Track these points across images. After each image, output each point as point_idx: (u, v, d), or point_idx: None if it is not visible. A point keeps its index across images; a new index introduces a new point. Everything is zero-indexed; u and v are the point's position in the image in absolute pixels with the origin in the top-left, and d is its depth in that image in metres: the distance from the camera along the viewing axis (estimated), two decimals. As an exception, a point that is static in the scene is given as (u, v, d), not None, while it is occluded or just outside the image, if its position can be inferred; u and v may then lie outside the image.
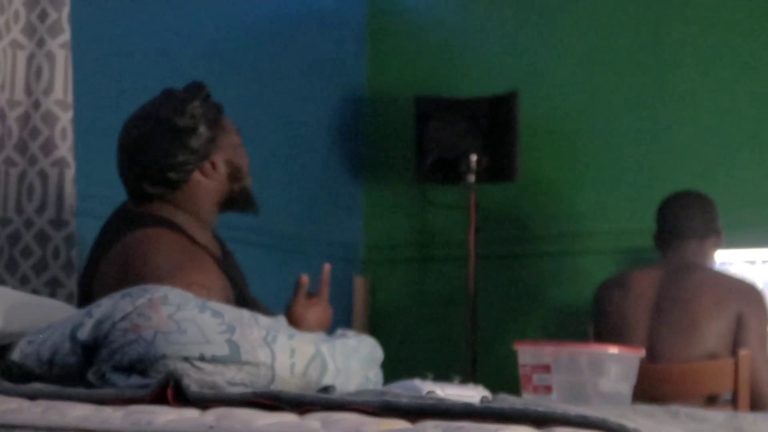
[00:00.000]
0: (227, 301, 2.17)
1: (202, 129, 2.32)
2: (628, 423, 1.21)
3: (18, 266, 2.66)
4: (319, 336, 1.75)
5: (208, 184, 2.35)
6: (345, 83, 4.29)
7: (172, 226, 2.29)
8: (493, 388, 1.96)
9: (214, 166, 2.36)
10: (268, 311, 2.21)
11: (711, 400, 2.89)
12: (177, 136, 2.30)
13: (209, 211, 2.38)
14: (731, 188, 3.54)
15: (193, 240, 2.31)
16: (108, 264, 2.25)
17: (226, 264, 2.38)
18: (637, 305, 2.96)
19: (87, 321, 1.61)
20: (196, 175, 2.33)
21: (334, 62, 4.24)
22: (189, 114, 2.32)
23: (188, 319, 1.57)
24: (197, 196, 2.35)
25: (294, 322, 2.13)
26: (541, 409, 1.25)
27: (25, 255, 2.67)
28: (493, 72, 4.07)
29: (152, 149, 2.30)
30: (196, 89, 2.38)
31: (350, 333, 1.87)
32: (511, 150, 3.73)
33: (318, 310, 2.28)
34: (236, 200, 2.42)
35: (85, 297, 2.27)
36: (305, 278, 2.30)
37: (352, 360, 1.74)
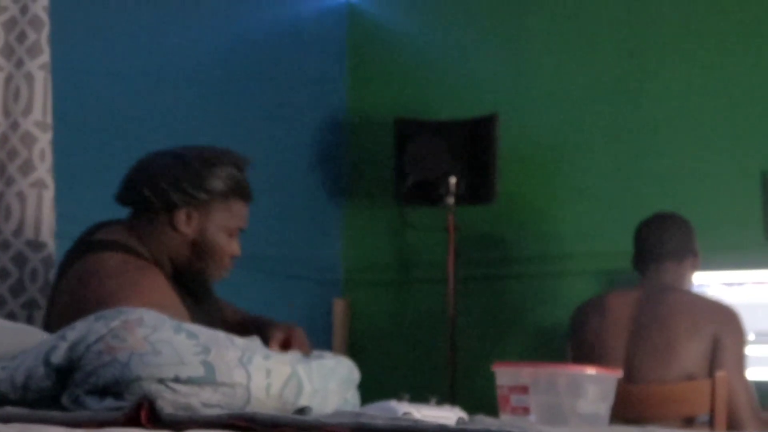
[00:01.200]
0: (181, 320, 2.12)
1: (208, 180, 2.23)
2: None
3: (-5, 288, 2.64)
4: (296, 356, 1.75)
5: (169, 233, 2.24)
6: (325, 105, 4.31)
7: (126, 249, 2.23)
8: (473, 409, 1.96)
9: (188, 223, 2.24)
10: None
11: (689, 422, 2.89)
12: (185, 163, 2.24)
13: (162, 258, 2.27)
14: (709, 210, 3.56)
15: (144, 258, 2.24)
16: (62, 292, 2.22)
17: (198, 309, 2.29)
18: (614, 327, 2.97)
19: (61, 344, 1.60)
20: (162, 217, 2.23)
21: (314, 84, 4.25)
22: (211, 161, 2.24)
23: (163, 340, 1.56)
24: (155, 236, 2.25)
25: None
26: (515, 429, 1.26)
27: (2, 277, 2.65)
28: (472, 94, 4.10)
29: (162, 162, 2.26)
30: (241, 158, 2.30)
31: (327, 355, 1.87)
32: (491, 172, 3.74)
33: None
34: (191, 277, 2.28)
35: (46, 325, 2.24)
36: None
37: (329, 381, 1.74)
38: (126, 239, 2.26)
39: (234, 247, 2.30)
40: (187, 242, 2.24)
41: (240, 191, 2.28)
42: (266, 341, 2.18)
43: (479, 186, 3.76)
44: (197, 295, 2.29)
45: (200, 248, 2.25)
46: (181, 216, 2.23)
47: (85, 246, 2.27)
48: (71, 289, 2.19)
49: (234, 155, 2.29)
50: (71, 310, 2.04)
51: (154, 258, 2.26)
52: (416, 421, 1.41)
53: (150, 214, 2.25)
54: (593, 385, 2.12)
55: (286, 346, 2.24)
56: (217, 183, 2.23)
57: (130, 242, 2.26)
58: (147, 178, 2.25)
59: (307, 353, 1.94)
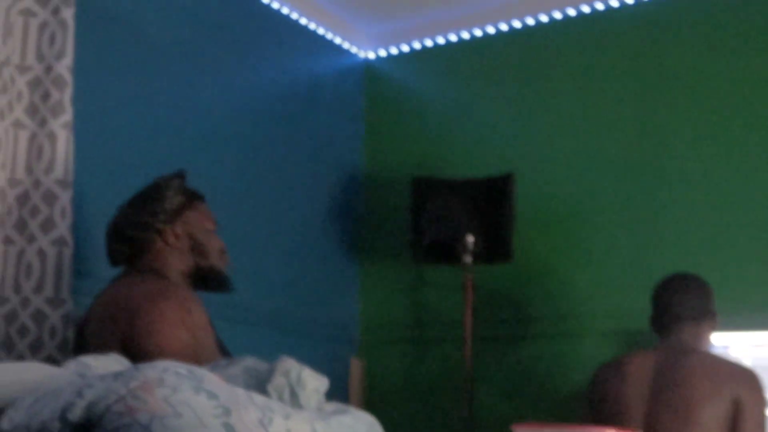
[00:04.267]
0: (210, 328, 2.38)
1: (169, 199, 2.54)
2: None
3: (14, 345, 2.65)
4: (315, 414, 1.74)
5: (170, 253, 2.54)
6: (342, 164, 4.33)
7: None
8: (490, 471, 1.95)
9: (177, 237, 2.54)
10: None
11: (710, 485, 2.85)
12: (144, 201, 2.54)
13: (177, 280, 2.53)
14: (727, 271, 3.55)
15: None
16: (95, 311, 2.42)
17: None
18: (634, 389, 2.95)
19: (78, 402, 1.59)
20: (159, 243, 2.53)
21: (331, 143, 4.28)
22: (160, 186, 2.56)
23: (183, 401, 1.56)
24: (162, 263, 2.52)
25: None
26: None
27: (21, 334, 2.66)
28: (488, 154, 4.12)
29: (123, 212, 2.56)
30: (175, 173, 2.61)
31: (351, 409, 1.87)
32: (507, 231, 3.74)
33: None
34: (205, 277, 2.58)
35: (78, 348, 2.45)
36: None
37: (348, 441, 1.73)
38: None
39: (219, 241, 2.62)
40: (185, 251, 2.56)
41: (194, 194, 2.62)
42: None
43: (496, 245, 3.75)
44: (222, 286, 2.61)
45: (198, 250, 2.57)
46: (168, 235, 2.54)
47: (115, 282, 2.50)
48: (109, 301, 2.40)
49: (171, 173, 2.61)
50: (113, 317, 2.33)
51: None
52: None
53: (145, 252, 2.53)
54: (613, 447, 2.10)
55: None
56: (175, 196, 2.56)
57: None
58: (124, 230, 2.53)
59: None
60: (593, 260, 3.87)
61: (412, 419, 4.06)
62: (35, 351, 2.64)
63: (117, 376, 1.63)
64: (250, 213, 3.71)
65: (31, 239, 2.72)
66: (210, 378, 1.68)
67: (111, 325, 2.34)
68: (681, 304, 3.03)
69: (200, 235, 2.57)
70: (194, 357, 2.22)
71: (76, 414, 1.59)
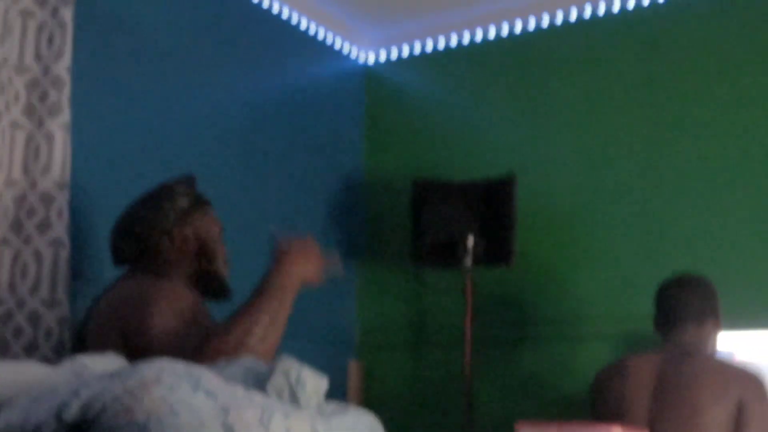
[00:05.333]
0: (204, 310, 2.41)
1: (179, 201, 2.54)
2: None
3: (9, 347, 2.63)
4: (315, 414, 1.72)
5: (176, 255, 2.52)
6: (343, 167, 4.31)
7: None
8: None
9: (184, 239, 2.54)
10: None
11: (713, 489, 2.82)
12: (154, 201, 2.53)
13: (180, 280, 2.52)
14: (732, 270, 3.53)
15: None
16: (96, 311, 2.42)
17: None
18: (636, 392, 2.93)
19: (73, 401, 1.57)
20: (166, 244, 2.51)
21: (332, 146, 4.26)
22: (170, 188, 2.55)
23: (181, 401, 1.54)
24: (166, 265, 2.51)
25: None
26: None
27: (16, 335, 2.64)
28: (489, 156, 4.10)
29: (131, 209, 2.55)
30: (185, 177, 2.61)
31: (351, 408, 1.85)
32: (508, 233, 3.72)
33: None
34: (207, 282, 2.57)
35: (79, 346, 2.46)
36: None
37: (348, 442, 1.71)
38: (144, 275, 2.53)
39: (222, 246, 2.62)
40: (192, 254, 2.55)
41: (202, 199, 2.62)
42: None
43: (496, 248, 3.74)
44: (221, 293, 2.60)
45: (204, 253, 2.56)
46: (176, 237, 2.53)
47: (116, 283, 2.50)
48: (110, 301, 2.41)
49: (181, 176, 2.62)
50: (113, 313, 2.36)
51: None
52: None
53: (150, 252, 2.52)
54: (617, 448, 2.08)
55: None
56: (183, 200, 2.56)
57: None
58: (132, 227, 2.52)
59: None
60: (595, 263, 3.85)
61: (411, 422, 4.03)
62: (30, 352, 2.62)
63: (114, 375, 1.61)
64: (248, 216, 3.69)
65: (28, 240, 2.70)
66: (208, 377, 1.66)
67: (111, 325, 2.34)
68: (683, 305, 3.01)
69: (209, 239, 2.57)
70: (181, 341, 2.23)
71: (71, 414, 1.57)
